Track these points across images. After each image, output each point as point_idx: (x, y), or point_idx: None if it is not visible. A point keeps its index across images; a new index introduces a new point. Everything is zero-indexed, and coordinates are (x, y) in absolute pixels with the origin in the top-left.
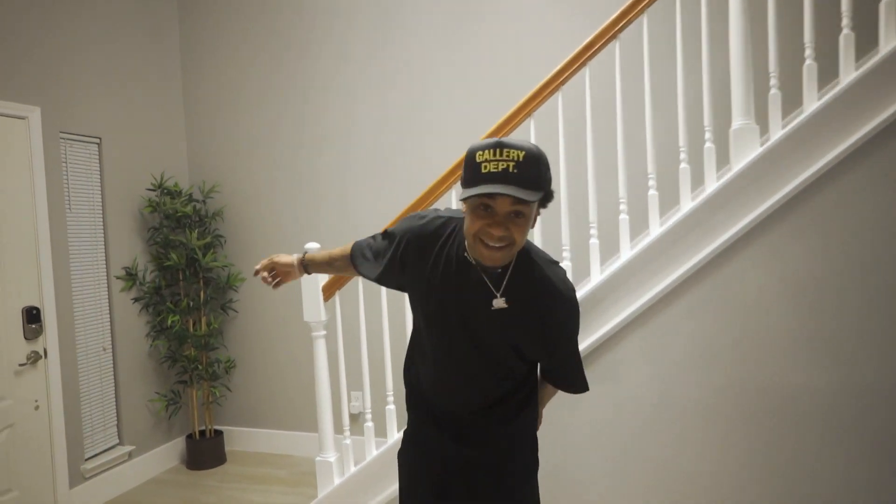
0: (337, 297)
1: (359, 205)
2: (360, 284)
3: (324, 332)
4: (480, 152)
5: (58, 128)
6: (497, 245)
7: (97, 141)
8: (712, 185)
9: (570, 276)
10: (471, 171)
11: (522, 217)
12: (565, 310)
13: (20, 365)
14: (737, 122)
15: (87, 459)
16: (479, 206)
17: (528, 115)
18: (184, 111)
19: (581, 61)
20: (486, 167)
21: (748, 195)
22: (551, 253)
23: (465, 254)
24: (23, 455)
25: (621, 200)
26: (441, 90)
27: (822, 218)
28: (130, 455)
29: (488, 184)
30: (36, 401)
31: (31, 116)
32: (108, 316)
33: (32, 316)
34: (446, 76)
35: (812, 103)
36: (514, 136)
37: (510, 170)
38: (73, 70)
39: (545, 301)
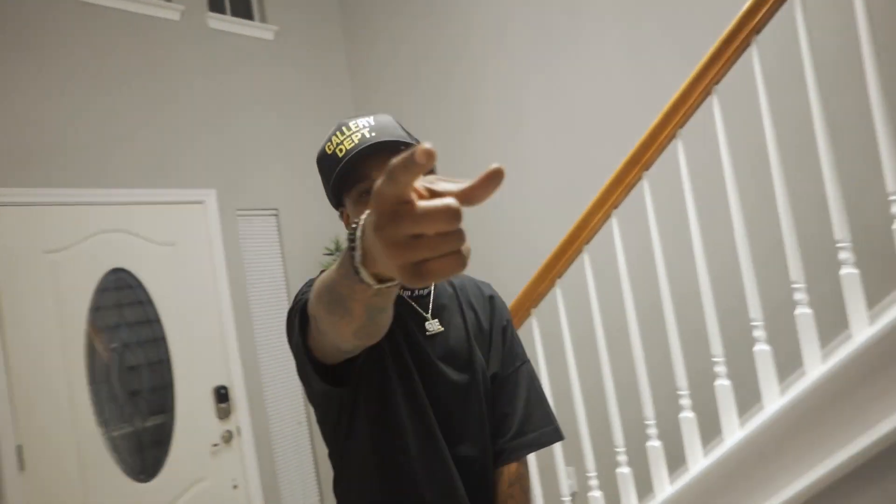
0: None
1: (539, 230)
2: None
3: None
4: (327, 144)
5: (234, 206)
6: None
7: (275, 212)
8: None
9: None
10: (327, 167)
11: None
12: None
13: (214, 445)
14: None
15: None
16: (358, 197)
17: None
18: None
19: None
20: (340, 149)
21: None
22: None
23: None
24: None
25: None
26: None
27: None
28: None
29: (349, 157)
30: (234, 480)
31: (207, 199)
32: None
33: (222, 395)
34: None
35: None
36: None
37: (367, 135)
38: (244, 148)
39: (479, 292)
